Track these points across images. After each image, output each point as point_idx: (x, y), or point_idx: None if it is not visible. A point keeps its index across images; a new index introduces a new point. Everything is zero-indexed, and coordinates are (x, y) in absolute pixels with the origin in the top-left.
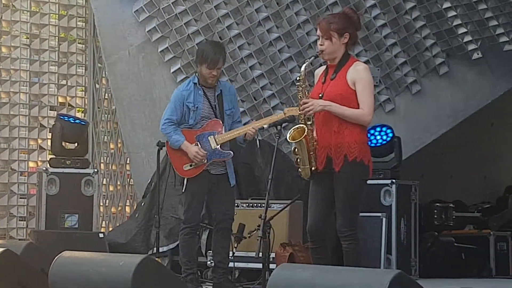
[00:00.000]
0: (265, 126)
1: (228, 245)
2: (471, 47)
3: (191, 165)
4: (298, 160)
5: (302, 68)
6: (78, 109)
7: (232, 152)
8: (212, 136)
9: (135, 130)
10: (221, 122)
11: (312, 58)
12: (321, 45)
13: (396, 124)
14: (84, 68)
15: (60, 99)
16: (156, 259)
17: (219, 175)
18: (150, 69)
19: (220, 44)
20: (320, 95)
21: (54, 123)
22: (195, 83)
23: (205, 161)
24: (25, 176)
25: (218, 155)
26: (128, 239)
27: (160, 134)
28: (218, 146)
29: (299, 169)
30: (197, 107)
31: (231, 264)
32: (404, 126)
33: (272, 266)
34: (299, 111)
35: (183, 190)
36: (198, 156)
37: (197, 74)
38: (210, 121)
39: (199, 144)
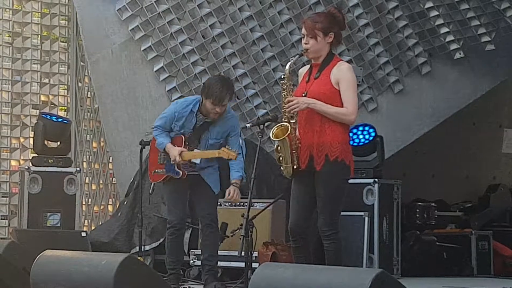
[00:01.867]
0: (247, 125)
1: (216, 241)
2: (453, 46)
3: (155, 171)
4: (281, 158)
5: (287, 67)
6: (60, 107)
7: (181, 172)
8: None
9: (118, 128)
10: (182, 139)
11: (296, 56)
12: (306, 43)
13: (379, 123)
14: (66, 66)
15: (43, 98)
16: (139, 258)
17: (193, 175)
18: (133, 67)
19: (228, 81)
20: (304, 94)
21: (36, 121)
22: (193, 111)
23: (164, 172)
24: (7, 174)
25: (172, 171)
26: (111, 238)
27: (143, 133)
28: (174, 164)
29: (281, 167)
30: (182, 132)
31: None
32: (386, 125)
33: (254, 265)
34: (284, 109)
35: (150, 192)
36: (175, 161)
37: (200, 101)
38: (174, 137)
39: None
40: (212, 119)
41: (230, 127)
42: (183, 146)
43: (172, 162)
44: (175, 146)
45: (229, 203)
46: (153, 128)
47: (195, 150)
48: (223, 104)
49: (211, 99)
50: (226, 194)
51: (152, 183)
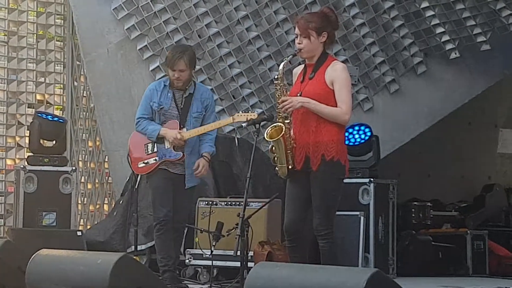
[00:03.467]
0: (243, 124)
1: (178, 245)
2: (448, 46)
3: (144, 163)
4: (276, 158)
5: (280, 67)
6: (56, 106)
7: (181, 153)
8: None
9: (114, 128)
10: (177, 123)
11: (291, 56)
12: (299, 43)
13: (374, 123)
14: (62, 65)
15: (38, 97)
16: (134, 257)
17: (178, 174)
18: (129, 67)
19: (183, 47)
20: (299, 94)
21: (32, 120)
22: (165, 85)
23: (157, 159)
24: (3, 173)
25: (169, 155)
26: (106, 237)
27: None
28: (171, 147)
29: (276, 168)
30: (161, 107)
31: (208, 262)
32: (382, 125)
33: (250, 264)
34: (278, 109)
35: (136, 187)
36: (176, 140)
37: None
38: (169, 122)
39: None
40: (178, 87)
41: (206, 99)
42: (178, 129)
43: (171, 143)
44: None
45: (225, 203)
46: (137, 122)
47: (184, 131)
48: (180, 70)
49: (167, 65)
50: (195, 166)
51: (139, 176)
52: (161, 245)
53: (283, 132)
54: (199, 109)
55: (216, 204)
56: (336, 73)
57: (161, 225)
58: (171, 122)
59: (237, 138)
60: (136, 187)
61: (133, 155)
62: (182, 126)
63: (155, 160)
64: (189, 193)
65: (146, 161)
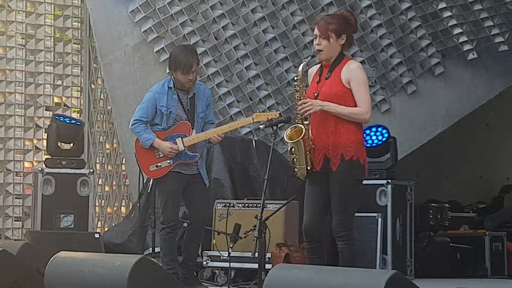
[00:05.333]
0: (261, 126)
1: (198, 244)
2: (466, 47)
3: (157, 166)
4: (295, 160)
5: (300, 68)
6: (73, 109)
7: (198, 155)
8: (180, 138)
9: (131, 130)
10: (189, 125)
11: (309, 58)
12: (318, 44)
13: (392, 124)
14: (79, 68)
15: (56, 100)
16: (152, 259)
17: (192, 175)
18: (146, 69)
19: (190, 48)
20: (316, 94)
21: (49, 123)
22: (170, 87)
23: (171, 162)
24: (21, 176)
25: (184, 157)
26: (124, 240)
27: None
28: (185, 148)
29: (295, 169)
30: (170, 111)
31: (225, 264)
32: (399, 126)
33: (268, 266)
34: (297, 111)
35: (148, 191)
36: (173, 151)
37: (172, 78)
38: (179, 123)
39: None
40: (188, 89)
41: (208, 97)
42: (190, 131)
43: (167, 155)
44: (182, 133)
45: (242, 204)
46: (134, 122)
47: (193, 133)
48: (193, 71)
49: (181, 70)
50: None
51: (151, 180)
52: (169, 248)
53: (303, 134)
54: (203, 108)
55: (233, 206)
56: (352, 72)
57: (171, 229)
58: (182, 124)
59: (254, 140)
60: (148, 190)
61: (141, 159)
62: (192, 128)
63: (169, 163)
64: (206, 192)
65: (158, 164)
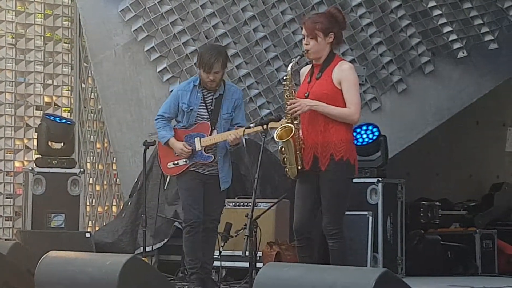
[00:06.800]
0: (251, 125)
1: (213, 245)
2: (456, 45)
3: (174, 164)
4: (285, 159)
5: (289, 68)
6: (64, 108)
7: (212, 157)
8: (198, 138)
9: (121, 129)
10: (209, 125)
11: (298, 57)
12: (306, 44)
13: (382, 122)
14: (70, 67)
15: (46, 99)
16: (143, 258)
17: (210, 175)
18: (136, 68)
19: (217, 48)
20: (306, 94)
21: (40, 122)
22: (195, 85)
23: (188, 161)
24: (11, 176)
25: (200, 157)
26: (115, 239)
27: (146, 134)
28: (202, 149)
29: (285, 168)
30: (191, 109)
31: (218, 263)
32: (390, 124)
33: (259, 265)
34: (287, 110)
35: (164, 188)
36: (184, 152)
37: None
38: (200, 123)
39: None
40: (212, 88)
41: (236, 99)
42: (209, 131)
43: (179, 155)
44: (201, 133)
45: (233, 203)
46: (156, 118)
47: (214, 133)
48: (216, 72)
49: (203, 68)
50: (231, 137)
51: (168, 177)
52: (191, 247)
53: (292, 133)
54: (229, 110)
55: (224, 205)
56: (344, 73)
57: (191, 227)
58: (202, 123)
59: (245, 139)
60: (165, 188)
61: (161, 154)
62: (213, 128)
63: (185, 161)
64: (222, 194)
65: (176, 162)
